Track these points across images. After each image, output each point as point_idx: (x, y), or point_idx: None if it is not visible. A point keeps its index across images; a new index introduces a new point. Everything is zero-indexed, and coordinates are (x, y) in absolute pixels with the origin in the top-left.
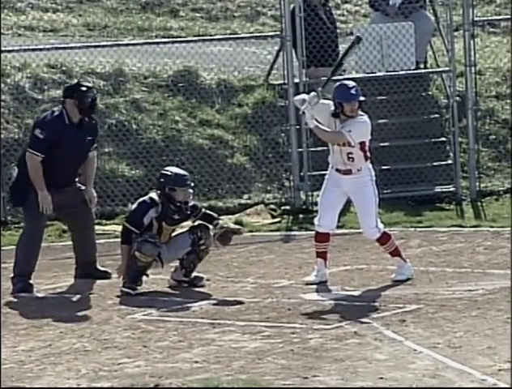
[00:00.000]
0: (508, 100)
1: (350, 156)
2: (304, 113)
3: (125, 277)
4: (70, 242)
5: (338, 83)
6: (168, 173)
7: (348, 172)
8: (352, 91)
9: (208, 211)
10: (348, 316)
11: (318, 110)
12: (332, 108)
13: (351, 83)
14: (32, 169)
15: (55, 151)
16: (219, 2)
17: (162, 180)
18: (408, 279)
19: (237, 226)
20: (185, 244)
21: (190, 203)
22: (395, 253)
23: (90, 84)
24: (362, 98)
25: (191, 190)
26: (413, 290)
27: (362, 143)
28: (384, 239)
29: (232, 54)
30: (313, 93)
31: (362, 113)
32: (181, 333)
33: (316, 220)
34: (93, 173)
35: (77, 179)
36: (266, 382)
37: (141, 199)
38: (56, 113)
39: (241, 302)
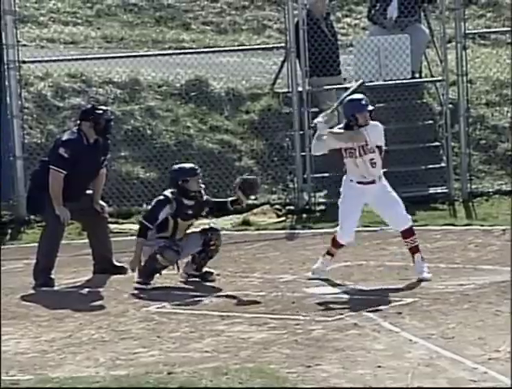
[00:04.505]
0: (497, 107)
1: (373, 161)
2: (316, 124)
3: (140, 273)
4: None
5: (348, 99)
6: (178, 167)
7: (372, 182)
8: (363, 102)
9: (217, 199)
10: (349, 308)
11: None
12: (335, 119)
13: (359, 96)
14: (54, 185)
15: (73, 169)
16: (228, 15)
17: (174, 175)
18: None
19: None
20: (197, 243)
21: (204, 196)
22: (416, 250)
23: (104, 107)
24: (371, 107)
25: (201, 180)
26: (409, 284)
27: (380, 148)
28: (409, 233)
29: (240, 65)
30: (330, 114)
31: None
32: (192, 324)
33: (339, 231)
34: (101, 188)
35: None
36: (272, 371)
37: (157, 198)
38: (75, 134)
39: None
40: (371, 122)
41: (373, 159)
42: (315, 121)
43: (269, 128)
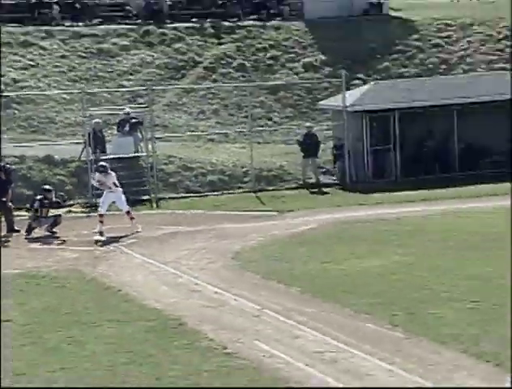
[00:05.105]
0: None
1: (110, 186)
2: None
3: (26, 230)
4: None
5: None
6: (43, 187)
7: (113, 191)
8: (96, 167)
9: (56, 200)
10: (110, 243)
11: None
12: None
13: (100, 163)
14: None
15: None
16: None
17: (41, 190)
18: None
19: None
20: (52, 220)
21: (54, 199)
22: (132, 219)
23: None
24: (105, 167)
25: (53, 193)
26: (133, 233)
27: (114, 183)
28: (129, 213)
29: (74, 150)
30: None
31: (110, 172)
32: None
33: (99, 209)
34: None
35: None
36: (81, 270)
37: (34, 198)
38: None
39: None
40: (109, 172)
41: (108, 184)
42: (94, 182)
43: (79, 174)
